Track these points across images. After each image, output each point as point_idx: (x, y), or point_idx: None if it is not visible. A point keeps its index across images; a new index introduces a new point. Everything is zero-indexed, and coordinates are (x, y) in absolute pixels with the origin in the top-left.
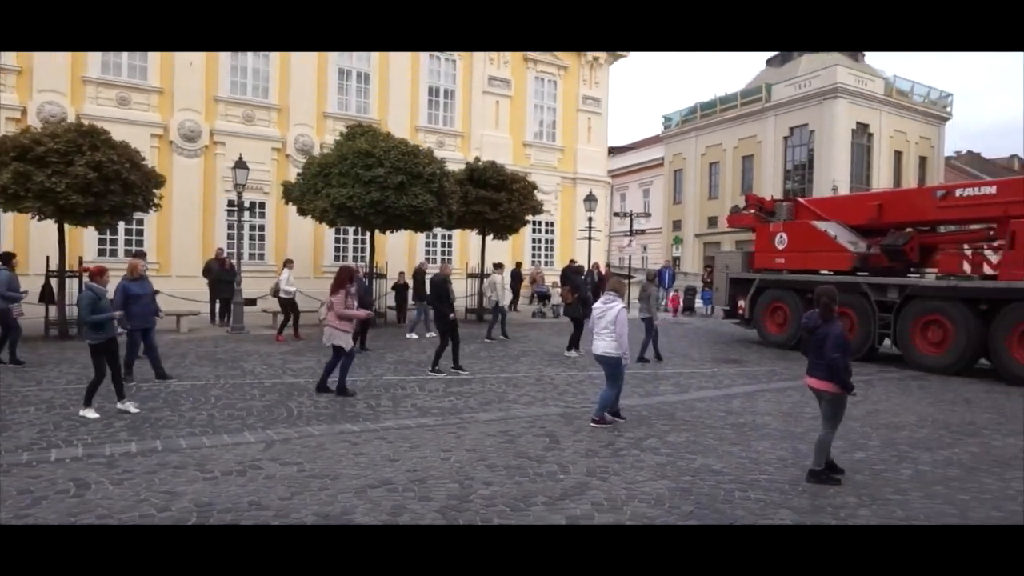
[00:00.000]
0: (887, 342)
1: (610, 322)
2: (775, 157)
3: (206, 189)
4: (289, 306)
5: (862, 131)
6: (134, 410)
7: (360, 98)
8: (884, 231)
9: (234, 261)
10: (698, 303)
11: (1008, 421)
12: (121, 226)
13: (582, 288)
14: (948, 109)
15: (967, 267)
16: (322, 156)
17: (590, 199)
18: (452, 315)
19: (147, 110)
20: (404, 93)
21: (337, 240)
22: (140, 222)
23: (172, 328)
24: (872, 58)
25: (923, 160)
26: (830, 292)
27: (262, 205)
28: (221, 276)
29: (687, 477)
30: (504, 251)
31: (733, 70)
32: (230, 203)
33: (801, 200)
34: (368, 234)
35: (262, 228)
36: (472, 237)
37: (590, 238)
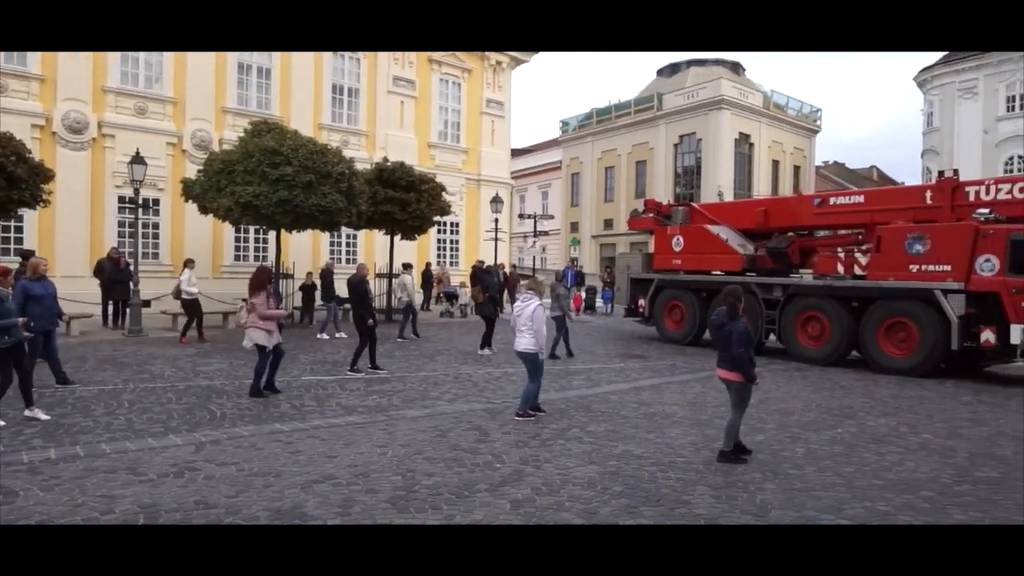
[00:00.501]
0: (772, 337)
1: (528, 318)
2: (666, 163)
3: (94, 184)
4: (192, 307)
5: (744, 141)
6: (44, 417)
7: (261, 93)
8: (769, 235)
9: (130, 260)
10: (598, 302)
11: (879, 405)
12: None
13: (492, 288)
14: (818, 123)
15: (840, 268)
16: (225, 153)
17: (496, 201)
18: (371, 319)
19: (27, 99)
20: (307, 90)
21: (237, 239)
22: (20, 218)
23: (62, 331)
24: (752, 72)
25: (797, 169)
26: (735, 292)
27: (156, 202)
28: (115, 276)
29: (612, 462)
30: (410, 252)
31: (627, 78)
32: (121, 199)
33: (695, 205)
34: (273, 233)
35: (156, 226)
36: (378, 237)
37: (496, 239)
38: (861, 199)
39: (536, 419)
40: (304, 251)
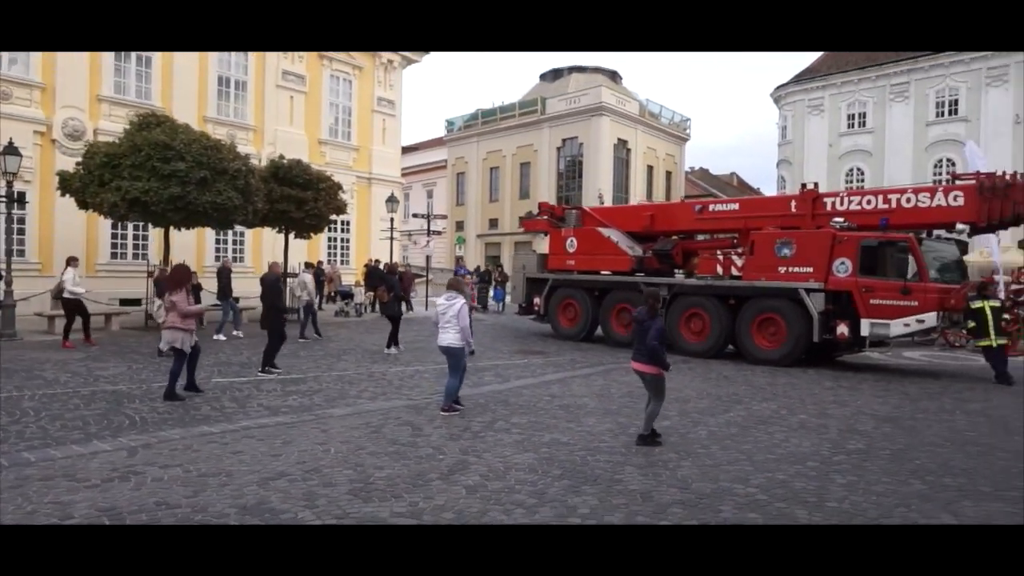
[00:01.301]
0: None
1: (453, 316)
2: (549, 165)
3: None
4: (75, 308)
5: (622, 146)
6: None
7: (141, 82)
8: (655, 238)
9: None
10: (490, 301)
11: (759, 391)
12: None
13: (396, 287)
14: (688, 131)
15: (719, 269)
16: (108, 145)
17: (391, 200)
18: (285, 316)
19: None
20: (191, 80)
21: (115, 236)
22: None
23: None
24: (628, 82)
25: (669, 174)
26: (655, 293)
27: (22, 195)
28: None
29: (545, 449)
30: (301, 250)
31: (511, 80)
32: None
33: (587, 209)
34: (156, 231)
35: (22, 221)
36: (267, 235)
37: (392, 238)
38: (736, 207)
39: (461, 413)
40: (188, 249)
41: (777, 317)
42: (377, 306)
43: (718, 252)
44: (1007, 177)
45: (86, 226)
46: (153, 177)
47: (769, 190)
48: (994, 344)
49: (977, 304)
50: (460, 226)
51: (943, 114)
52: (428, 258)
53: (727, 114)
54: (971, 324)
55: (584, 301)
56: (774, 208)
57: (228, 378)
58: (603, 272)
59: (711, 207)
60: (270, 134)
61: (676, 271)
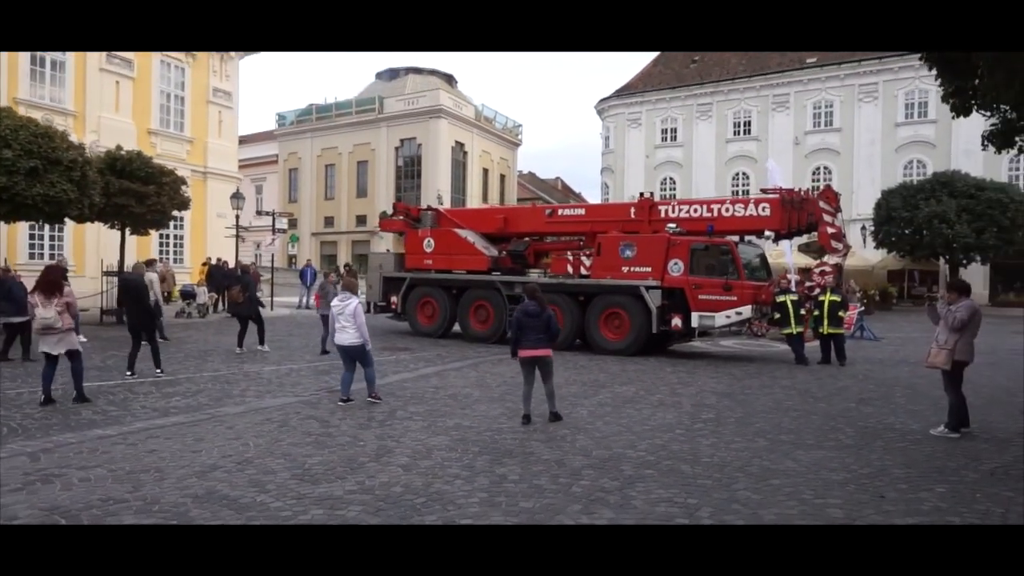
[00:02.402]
0: None
1: (350, 315)
2: (388, 164)
3: None
4: None
5: (459, 149)
6: None
7: None
8: (508, 239)
9: None
10: None
11: (616, 377)
12: None
13: (252, 287)
14: (520, 136)
15: (570, 269)
16: None
17: (237, 196)
18: (159, 318)
19: None
20: None
21: None
22: None
23: None
24: (463, 86)
25: (503, 177)
26: (536, 287)
27: None
28: None
29: (454, 432)
30: (131, 247)
31: (346, 76)
32: None
33: (443, 210)
34: None
35: None
36: (91, 231)
37: (238, 236)
38: (583, 212)
39: (359, 404)
40: None
41: (621, 312)
42: (221, 305)
43: (569, 253)
44: (802, 193)
45: None
46: None
47: (593, 195)
48: (794, 332)
49: (781, 298)
50: (293, 224)
51: (739, 133)
52: (272, 256)
53: (553, 120)
54: (777, 315)
55: (442, 299)
56: (616, 214)
57: (92, 382)
58: (459, 271)
59: (560, 211)
60: (93, 121)
61: (529, 270)
